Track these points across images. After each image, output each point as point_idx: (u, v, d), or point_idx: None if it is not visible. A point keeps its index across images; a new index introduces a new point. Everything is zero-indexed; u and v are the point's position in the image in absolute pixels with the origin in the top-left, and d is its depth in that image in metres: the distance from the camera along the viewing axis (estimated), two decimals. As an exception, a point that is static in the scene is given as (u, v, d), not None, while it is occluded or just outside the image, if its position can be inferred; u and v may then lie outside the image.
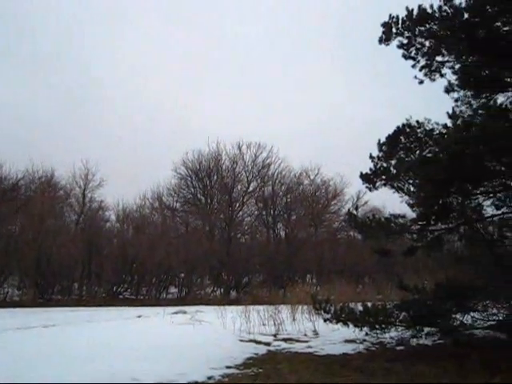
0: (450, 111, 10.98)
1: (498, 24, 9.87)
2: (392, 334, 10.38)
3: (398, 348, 10.39)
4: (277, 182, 48.38)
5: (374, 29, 11.33)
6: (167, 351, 10.27)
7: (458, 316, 10.28)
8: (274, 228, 48.19)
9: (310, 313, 15.60)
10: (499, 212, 11.19)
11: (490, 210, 11.25)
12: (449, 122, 10.92)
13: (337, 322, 10.25)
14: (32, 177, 43.06)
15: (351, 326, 10.09)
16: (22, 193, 43.04)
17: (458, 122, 10.20)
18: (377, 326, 9.71)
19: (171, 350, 10.36)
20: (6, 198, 38.20)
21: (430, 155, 9.95)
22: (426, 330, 9.90)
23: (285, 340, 12.32)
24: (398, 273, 27.50)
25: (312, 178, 49.47)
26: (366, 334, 10.19)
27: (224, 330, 13.50)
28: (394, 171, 11.25)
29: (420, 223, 10.82)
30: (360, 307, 10.42)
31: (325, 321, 10.52)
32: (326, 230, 47.05)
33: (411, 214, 11.51)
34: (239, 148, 47.79)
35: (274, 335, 13.10)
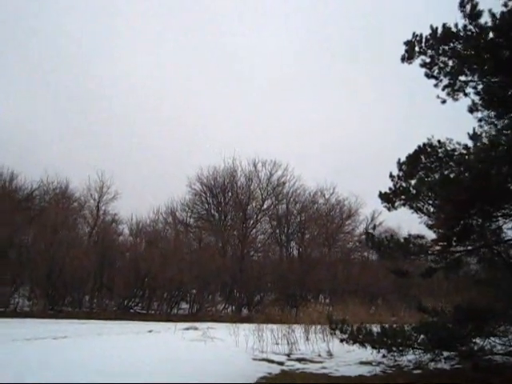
0: (471, 132, 10.87)
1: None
2: (409, 357, 10.13)
3: (416, 372, 10.15)
4: (291, 200, 48.24)
5: (393, 47, 11.30)
6: (179, 367, 10.13)
7: (477, 340, 10.02)
8: (287, 246, 47.93)
9: (323, 333, 15.42)
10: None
11: (510, 233, 11.05)
12: (469, 143, 10.81)
13: (353, 343, 10.03)
14: (46, 188, 43.42)
15: (368, 347, 9.88)
16: (36, 203, 43.30)
17: (484, 141, 10.04)
18: (394, 349, 9.48)
19: (183, 366, 10.23)
20: (19, 208, 38.44)
21: (452, 175, 9.75)
22: (445, 353, 9.66)
23: (298, 360, 12.13)
24: (415, 294, 27.21)
25: (327, 197, 49.32)
26: (383, 356, 9.93)
27: (236, 348, 13.36)
28: (414, 191, 11.08)
29: (441, 244, 10.61)
30: (376, 328, 10.21)
31: (341, 341, 10.28)
32: (339, 250, 46.67)
33: (429, 234, 11.34)
34: (254, 165, 47.82)
35: (288, 355, 12.89)
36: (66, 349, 12.91)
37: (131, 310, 33.67)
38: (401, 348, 9.45)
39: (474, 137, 10.82)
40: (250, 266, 38.17)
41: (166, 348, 13.52)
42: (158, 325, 23.86)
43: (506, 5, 9.58)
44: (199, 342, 14.64)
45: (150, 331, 19.76)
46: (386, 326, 10.07)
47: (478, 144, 10.17)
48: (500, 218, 10.80)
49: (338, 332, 10.21)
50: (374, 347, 9.76)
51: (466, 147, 10.70)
